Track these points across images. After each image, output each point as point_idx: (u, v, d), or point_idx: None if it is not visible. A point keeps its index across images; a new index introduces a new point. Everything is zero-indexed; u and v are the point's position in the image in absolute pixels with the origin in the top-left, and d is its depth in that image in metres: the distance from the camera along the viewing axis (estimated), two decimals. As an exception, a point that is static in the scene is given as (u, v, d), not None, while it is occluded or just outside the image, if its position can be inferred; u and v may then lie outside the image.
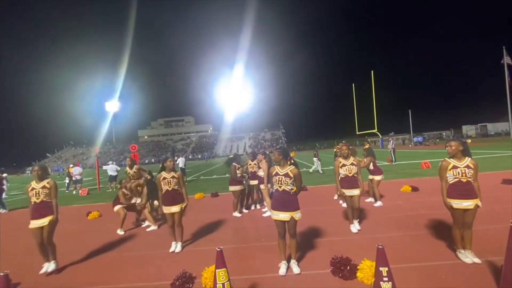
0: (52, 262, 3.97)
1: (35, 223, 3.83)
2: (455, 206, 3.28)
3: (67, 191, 14.96)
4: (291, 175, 3.41)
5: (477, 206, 3.25)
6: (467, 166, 3.25)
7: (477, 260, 3.23)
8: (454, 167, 3.29)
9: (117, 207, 6.55)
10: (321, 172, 14.47)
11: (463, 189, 3.25)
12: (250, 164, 6.88)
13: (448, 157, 3.40)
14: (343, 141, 5.28)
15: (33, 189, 3.91)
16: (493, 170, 10.22)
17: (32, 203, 3.88)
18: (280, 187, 3.43)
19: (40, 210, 3.86)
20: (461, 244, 3.38)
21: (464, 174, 3.24)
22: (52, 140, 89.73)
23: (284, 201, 3.39)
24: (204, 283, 3.21)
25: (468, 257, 3.29)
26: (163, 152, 71.93)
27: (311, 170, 14.87)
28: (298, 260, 3.63)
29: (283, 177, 3.41)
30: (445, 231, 4.14)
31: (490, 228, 4.33)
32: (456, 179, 3.28)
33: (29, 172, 48.65)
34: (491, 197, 6.30)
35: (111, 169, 14.41)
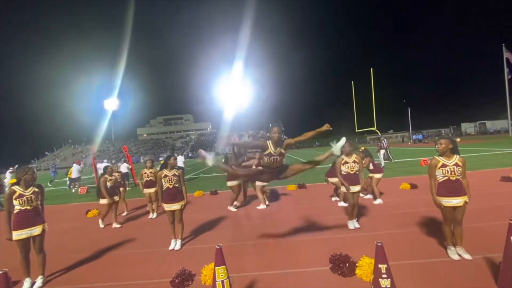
0: (40, 277, 3.53)
1: (24, 232, 3.39)
2: (445, 204, 3.30)
3: (68, 189, 15.03)
4: (284, 151, 3.56)
5: (466, 202, 3.27)
6: (456, 164, 3.26)
7: (467, 257, 3.25)
8: (443, 165, 3.31)
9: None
10: (382, 165, 13.59)
11: (452, 187, 3.27)
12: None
13: (437, 155, 3.41)
14: (350, 141, 5.28)
15: (21, 195, 3.41)
16: (492, 168, 10.25)
17: (19, 210, 3.39)
18: (275, 168, 3.58)
19: (33, 217, 3.45)
20: (452, 240, 3.40)
21: (453, 173, 3.26)
22: (51, 139, 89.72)
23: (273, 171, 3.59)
24: (203, 280, 3.21)
25: (456, 254, 3.32)
26: (162, 150, 71.82)
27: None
28: (297, 257, 3.63)
29: (278, 157, 3.52)
30: (444, 228, 4.14)
31: (489, 225, 4.34)
32: (445, 178, 3.30)
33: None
34: (490, 194, 6.32)
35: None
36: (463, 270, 3.06)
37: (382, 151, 14.24)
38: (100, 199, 6.36)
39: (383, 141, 14.63)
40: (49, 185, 17.53)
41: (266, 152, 3.48)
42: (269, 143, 3.49)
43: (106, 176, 6.32)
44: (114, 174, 6.62)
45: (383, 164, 13.67)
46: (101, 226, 6.26)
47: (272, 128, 3.48)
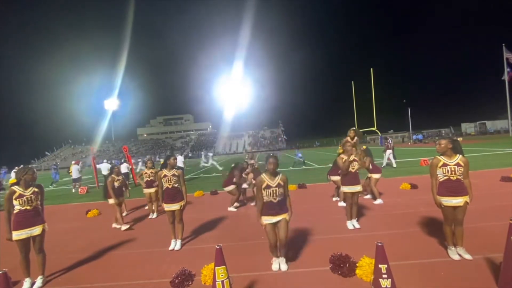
0: (39, 277, 3.52)
1: (24, 233, 3.37)
2: (445, 203, 3.29)
3: (71, 187, 15.10)
4: (282, 183, 3.37)
5: (466, 203, 3.26)
6: (457, 164, 3.25)
7: (468, 257, 3.25)
8: (444, 165, 3.30)
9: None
10: (395, 166, 13.47)
11: (452, 187, 3.26)
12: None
13: (438, 155, 3.40)
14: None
15: (21, 195, 3.40)
16: (492, 168, 10.25)
17: (19, 210, 3.39)
18: (275, 199, 3.33)
19: (33, 217, 3.44)
20: (452, 241, 3.40)
21: (453, 172, 3.25)
22: (51, 139, 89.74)
23: (277, 207, 3.35)
24: (203, 280, 3.21)
25: (457, 254, 3.32)
26: (163, 150, 71.83)
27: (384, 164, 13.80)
28: (297, 257, 3.63)
29: (277, 188, 3.32)
30: (444, 228, 4.14)
31: (489, 225, 4.34)
32: (446, 177, 3.29)
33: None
34: (490, 194, 6.32)
35: (104, 168, 14.37)
36: (463, 270, 3.06)
37: (389, 151, 14.24)
38: (109, 199, 6.24)
39: (389, 141, 14.63)
40: (51, 187, 17.51)
41: (264, 186, 3.32)
42: (264, 176, 3.38)
43: (113, 176, 6.19)
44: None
45: (394, 165, 13.57)
46: (124, 228, 5.92)
47: (268, 159, 3.38)
